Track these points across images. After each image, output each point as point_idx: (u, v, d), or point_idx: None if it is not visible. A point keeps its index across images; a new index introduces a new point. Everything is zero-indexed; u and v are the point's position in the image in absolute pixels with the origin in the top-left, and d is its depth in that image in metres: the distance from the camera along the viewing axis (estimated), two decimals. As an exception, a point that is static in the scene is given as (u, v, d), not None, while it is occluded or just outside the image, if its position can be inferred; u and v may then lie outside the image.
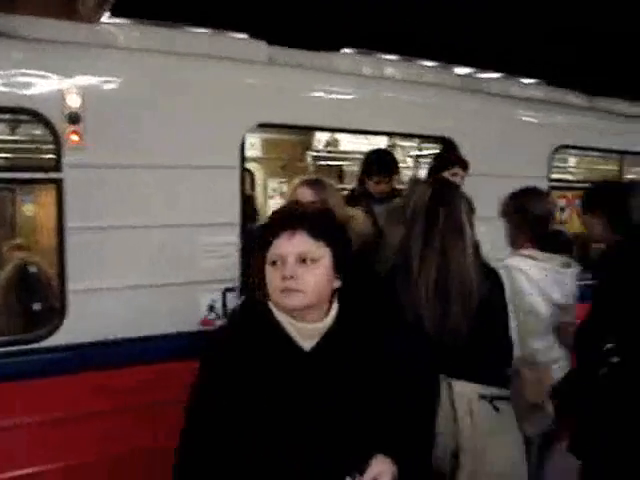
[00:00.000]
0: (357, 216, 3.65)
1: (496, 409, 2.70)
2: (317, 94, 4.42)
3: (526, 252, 3.80)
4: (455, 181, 4.13)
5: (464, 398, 2.66)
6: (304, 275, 2.05)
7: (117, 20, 4.01)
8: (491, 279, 2.91)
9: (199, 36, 4.19)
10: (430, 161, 5.14)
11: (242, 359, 2.07)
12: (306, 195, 3.43)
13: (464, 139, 4.90)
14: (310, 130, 7.06)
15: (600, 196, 3.72)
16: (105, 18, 3.87)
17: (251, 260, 2.40)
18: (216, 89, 3.99)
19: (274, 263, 2.08)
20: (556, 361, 3.72)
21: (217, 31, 4.30)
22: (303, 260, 2.06)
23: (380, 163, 4.96)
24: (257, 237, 2.22)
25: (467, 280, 2.75)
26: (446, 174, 4.41)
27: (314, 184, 3.53)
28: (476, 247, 2.90)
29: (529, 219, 3.81)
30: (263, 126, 4.19)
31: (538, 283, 3.71)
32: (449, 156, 4.77)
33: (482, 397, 2.68)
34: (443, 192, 2.94)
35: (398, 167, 5.14)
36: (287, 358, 2.10)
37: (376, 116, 4.64)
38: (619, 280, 3.24)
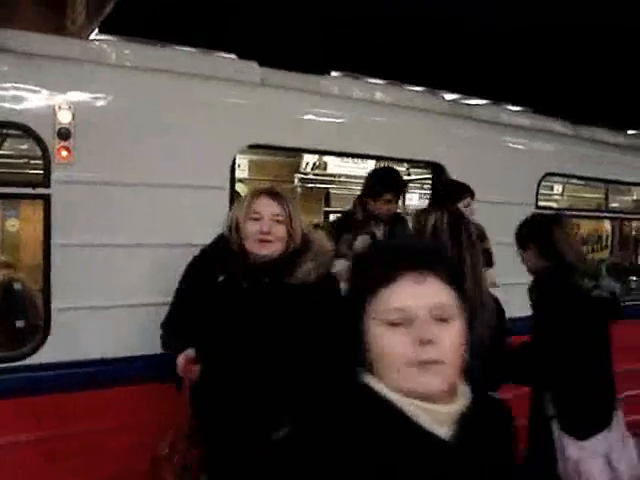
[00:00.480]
0: (319, 234, 3.31)
1: None
2: (308, 117, 4.43)
3: None
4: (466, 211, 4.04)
5: None
6: (442, 338, 1.43)
7: (106, 37, 4.00)
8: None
9: (192, 55, 4.21)
10: (434, 187, 5.06)
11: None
12: (269, 208, 3.00)
13: (454, 165, 4.91)
14: (300, 152, 7.07)
15: (529, 230, 3.89)
16: (94, 35, 3.86)
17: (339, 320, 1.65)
18: (208, 109, 3.99)
19: (394, 324, 1.43)
20: None
21: (209, 51, 4.31)
22: (439, 317, 1.45)
23: (390, 180, 4.81)
24: (352, 286, 1.60)
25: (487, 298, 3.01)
26: (460, 205, 4.24)
27: (277, 195, 3.06)
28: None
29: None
30: (254, 147, 4.18)
31: None
32: (460, 186, 4.55)
33: None
34: (459, 221, 3.12)
35: (406, 185, 5.05)
36: (418, 450, 1.45)
37: (365, 140, 4.65)
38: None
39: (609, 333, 3.79)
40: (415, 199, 9.28)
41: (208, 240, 3.82)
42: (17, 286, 4.14)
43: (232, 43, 5.09)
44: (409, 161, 6.31)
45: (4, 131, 4.63)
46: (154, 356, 3.73)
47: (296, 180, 8.22)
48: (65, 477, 3.57)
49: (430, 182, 5.34)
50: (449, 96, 5.52)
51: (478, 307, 2.87)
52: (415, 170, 7.56)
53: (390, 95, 4.96)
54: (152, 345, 3.72)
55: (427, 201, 9.29)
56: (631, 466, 3.36)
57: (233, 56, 4.34)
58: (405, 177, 7.81)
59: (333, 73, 4.85)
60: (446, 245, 2.96)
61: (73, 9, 16.05)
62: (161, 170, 3.80)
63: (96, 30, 12.35)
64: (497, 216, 3.99)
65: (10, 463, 3.44)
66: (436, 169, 4.96)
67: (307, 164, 8.08)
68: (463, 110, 5.43)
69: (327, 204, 9.01)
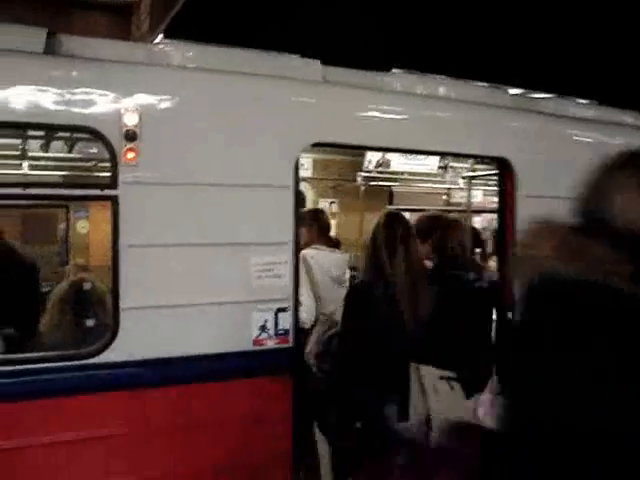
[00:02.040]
0: None
1: (451, 387, 3.53)
2: (371, 114, 4.38)
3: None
4: None
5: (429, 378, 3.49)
6: None
7: (170, 40, 4.05)
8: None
9: (255, 55, 4.20)
10: (500, 183, 4.98)
11: None
12: None
13: (520, 159, 4.80)
14: (363, 150, 7.02)
15: (427, 227, 4.68)
16: (158, 40, 3.91)
17: None
18: (272, 108, 4.00)
19: None
20: None
21: (272, 51, 4.32)
22: None
23: None
24: None
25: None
26: None
27: None
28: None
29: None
30: (317, 146, 4.17)
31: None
32: None
33: (441, 378, 3.51)
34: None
35: None
36: None
37: (430, 136, 4.59)
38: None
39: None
40: (479, 196, 9.15)
41: (273, 239, 3.86)
42: (87, 286, 4.23)
43: (294, 43, 5.09)
44: (474, 156, 6.19)
45: (73, 135, 4.76)
46: (219, 355, 3.78)
47: (359, 178, 8.17)
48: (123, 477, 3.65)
49: (496, 178, 5.21)
50: (513, 90, 5.38)
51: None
52: (479, 166, 7.41)
53: (453, 90, 4.87)
54: (218, 344, 3.77)
55: (492, 197, 9.18)
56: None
57: (296, 55, 4.32)
58: (469, 173, 7.72)
59: (394, 70, 4.77)
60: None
61: (138, 16, 16.45)
62: (226, 170, 3.83)
63: (161, 35, 12.61)
64: (564, 211, 3.84)
65: (75, 460, 3.53)
66: (502, 164, 4.85)
67: (370, 162, 8.02)
68: (528, 103, 5.29)
69: (390, 202, 8.95)
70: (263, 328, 3.89)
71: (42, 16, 14.78)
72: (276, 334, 3.92)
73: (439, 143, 4.70)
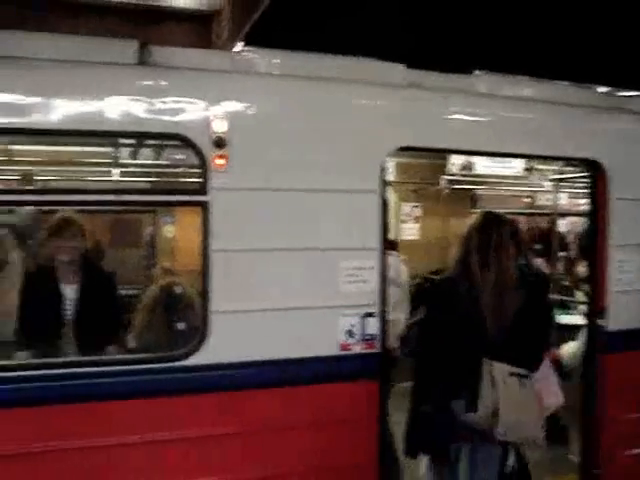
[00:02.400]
0: None
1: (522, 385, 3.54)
2: (457, 117, 4.32)
3: None
4: None
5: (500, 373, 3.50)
6: None
7: (252, 48, 4.10)
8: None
9: (338, 61, 4.21)
10: (591, 185, 4.84)
11: None
12: None
13: (612, 161, 4.65)
14: (449, 153, 6.93)
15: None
16: (239, 47, 3.97)
17: None
18: (357, 113, 4.00)
19: None
20: None
21: (354, 56, 4.32)
22: None
23: None
24: None
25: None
26: None
27: None
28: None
29: None
30: (403, 150, 4.14)
31: None
32: None
33: (512, 374, 3.51)
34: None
35: None
36: None
37: (516, 138, 4.50)
38: None
39: None
40: (564, 198, 8.92)
41: (360, 244, 3.86)
42: (178, 290, 4.32)
43: (377, 46, 5.08)
44: (562, 159, 6.02)
45: (164, 142, 4.87)
46: (306, 359, 3.80)
47: (442, 182, 8.08)
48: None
49: (586, 180, 5.06)
50: (601, 89, 5.19)
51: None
52: (566, 169, 7.21)
53: (539, 91, 4.75)
54: (304, 348, 3.80)
55: (577, 200, 8.95)
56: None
57: (379, 60, 4.31)
58: (557, 176, 7.53)
59: (476, 72, 4.69)
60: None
61: (218, 24, 16.78)
62: (313, 175, 3.85)
63: (241, 43, 12.82)
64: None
65: (160, 460, 3.61)
66: (593, 166, 4.70)
67: (454, 165, 7.92)
68: (618, 102, 5.11)
69: (473, 205, 8.83)
70: (350, 333, 3.88)
71: (124, 27, 15.30)
72: (363, 339, 3.91)
73: (526, 146, 4.60)
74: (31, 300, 4.34)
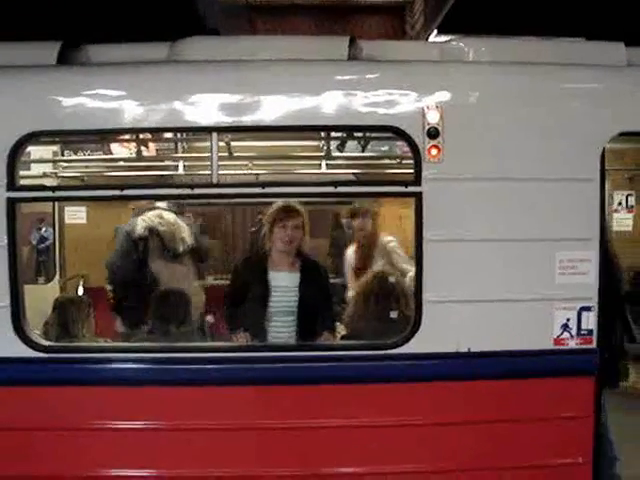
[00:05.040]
0: None
1: None
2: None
3: None
4: None
5: None
6: None
7: (444, 37, 4.06)
8: None
9: (549, 44, 4.08)
10: None
11: None
12: None
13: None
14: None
15: None
16: (433, 37, 3.98)
17: None
18: (574, 98, 3.85)
19: None
20: None
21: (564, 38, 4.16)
22: None
23: None
24: None
25: None
26: None
27: None
28: None
29: None
30: (625, 135, 3.91)
31: None
32: None
33: None
34: None
35: None
36: None
37: None
38: None
39: None
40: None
41: (578, 234, 3.72)
42: (392, 279, 4.40)
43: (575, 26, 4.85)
44: None
45: (377, 134, 4.96)
46: (518, 352, 3.74)
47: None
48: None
49: None
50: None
51: None
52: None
53: None
54: (517, 341, 3.73)
55: None
56: None
57: (596, 41, 4.11)
58: None
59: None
60: None
61: (412, 14, 16.84)
62: (528, 164, 3.75)
63: (435, 32, 12.72)
64: None
65: (367, 442, 3.73)
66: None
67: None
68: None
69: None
70: (565, 327, 3.75)
71: (323, 24, 15.82)
72: (579, 334, 3.76)
73: None
74: (242, 287, 4.58)
